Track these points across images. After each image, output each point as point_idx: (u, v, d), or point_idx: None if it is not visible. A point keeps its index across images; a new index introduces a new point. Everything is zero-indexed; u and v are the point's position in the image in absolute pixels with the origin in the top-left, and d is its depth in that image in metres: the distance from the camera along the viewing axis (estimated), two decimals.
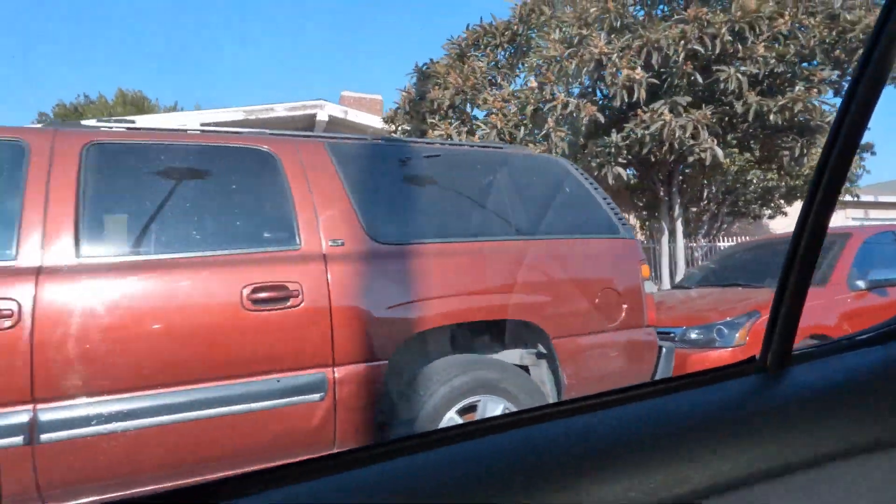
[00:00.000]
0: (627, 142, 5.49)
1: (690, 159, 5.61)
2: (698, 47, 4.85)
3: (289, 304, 2.06)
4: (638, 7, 5.44)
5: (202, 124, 7.79)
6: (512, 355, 2.60)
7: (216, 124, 8.04)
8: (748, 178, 8.42)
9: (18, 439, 1.69)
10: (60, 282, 1.84)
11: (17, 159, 1.99)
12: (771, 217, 10.40)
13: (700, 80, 5.08)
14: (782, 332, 0.83)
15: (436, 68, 5.66)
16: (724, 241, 9.77)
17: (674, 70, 5.08)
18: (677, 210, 7.49)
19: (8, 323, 1.72)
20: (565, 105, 5.13)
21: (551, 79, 5.26)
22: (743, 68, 5.08)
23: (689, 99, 5.26)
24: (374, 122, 9.02)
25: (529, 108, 5.43)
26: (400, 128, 6.21)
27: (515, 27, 5.92)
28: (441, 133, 5.41)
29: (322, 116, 8.50)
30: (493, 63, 6.09)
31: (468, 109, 5.72)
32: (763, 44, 5.26)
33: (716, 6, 5.30)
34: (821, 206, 0.77)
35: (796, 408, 0.78)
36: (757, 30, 5.25)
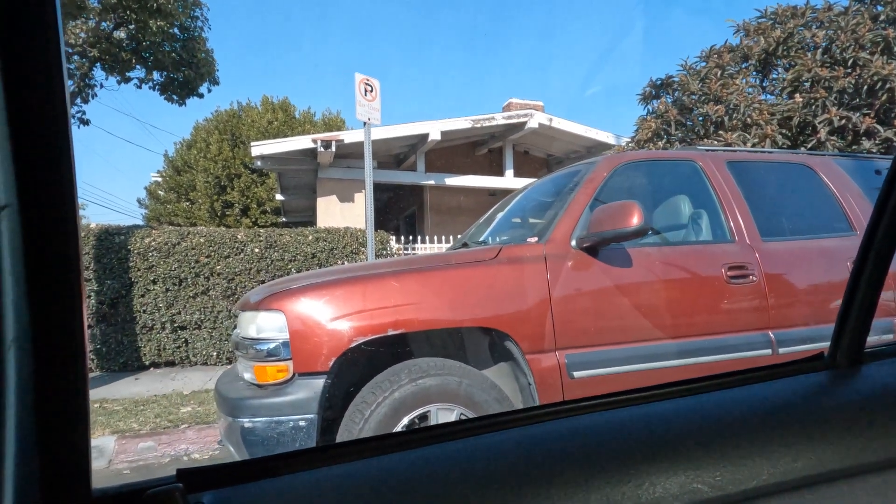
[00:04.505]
0: (880, 147, 6.26)
1: None
2: None
3: None
4: None
5: (442, 132, 8.95)
6: None
7: (451, 132, 9.19)
8: None
9: (767, 351, 2.71)
10: (763, 252, 2.84)
11: (696, 173, 3.03)
12: None
13: None
14: (855, 328, 0.81)
15: (709, 85, 6.57)
16: None
17: None
18: None
19: (754, 278, 2.74)
20: (840, 118, 5.95)
21: (824, 94, 6.08)
22: None
23: None
24: (570, 126, 10.00)
25: (796, 120, 6.26)
26: (661, 142, 7.14)
27: (769, 49, 6.77)
28: (719, 142, 6.33)
29: (532, 124, 9.54)
30: (743, 79, 6.94)
31: (733, 121, 6.58)
32: None
33: None
34: None
35: (871, 406, 0.75)
36: None
